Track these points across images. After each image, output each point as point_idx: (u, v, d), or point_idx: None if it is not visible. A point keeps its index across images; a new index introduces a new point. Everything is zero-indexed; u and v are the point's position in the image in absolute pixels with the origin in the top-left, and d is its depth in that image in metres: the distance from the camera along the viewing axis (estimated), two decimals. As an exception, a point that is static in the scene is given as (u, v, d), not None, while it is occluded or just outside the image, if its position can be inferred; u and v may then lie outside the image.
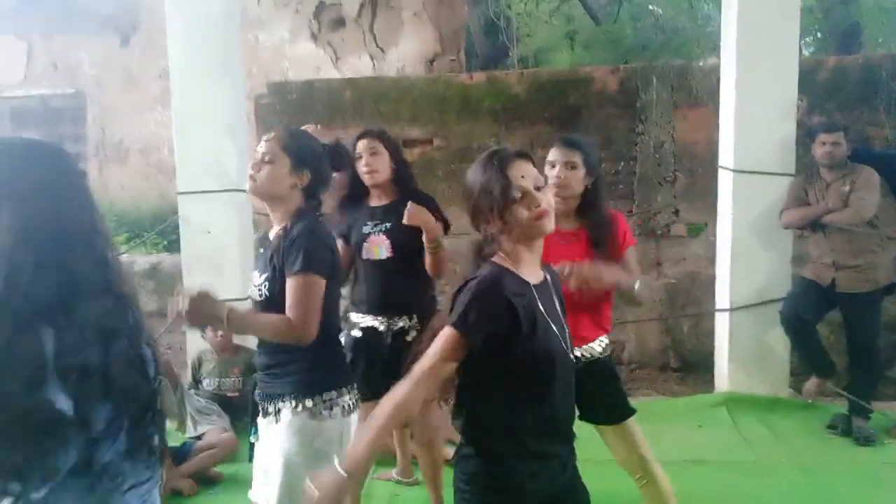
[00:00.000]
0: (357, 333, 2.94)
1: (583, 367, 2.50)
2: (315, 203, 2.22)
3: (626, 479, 2.88)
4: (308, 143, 2.22)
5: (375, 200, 2.98)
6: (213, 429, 3.86)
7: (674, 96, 5.65)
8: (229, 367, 4.17)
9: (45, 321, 1.21)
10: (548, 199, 1.66)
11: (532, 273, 1.72)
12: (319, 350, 2.09)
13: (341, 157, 2.32)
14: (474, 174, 1.71)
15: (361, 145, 2.93)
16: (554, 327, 1.70)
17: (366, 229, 2.91)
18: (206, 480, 3.57)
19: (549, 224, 1.65)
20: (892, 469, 3.60)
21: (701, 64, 5.98)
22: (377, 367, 2.83)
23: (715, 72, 4.92)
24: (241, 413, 4.08)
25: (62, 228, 1.28)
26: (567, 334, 1.76)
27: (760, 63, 4.37)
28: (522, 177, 1.64)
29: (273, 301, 2.08)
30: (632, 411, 2.61)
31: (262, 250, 2.28)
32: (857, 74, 5.53)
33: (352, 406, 2.16)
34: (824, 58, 6.19)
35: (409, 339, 2.85)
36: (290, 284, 2.02)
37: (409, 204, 2.73)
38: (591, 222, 2.55)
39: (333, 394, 2.11)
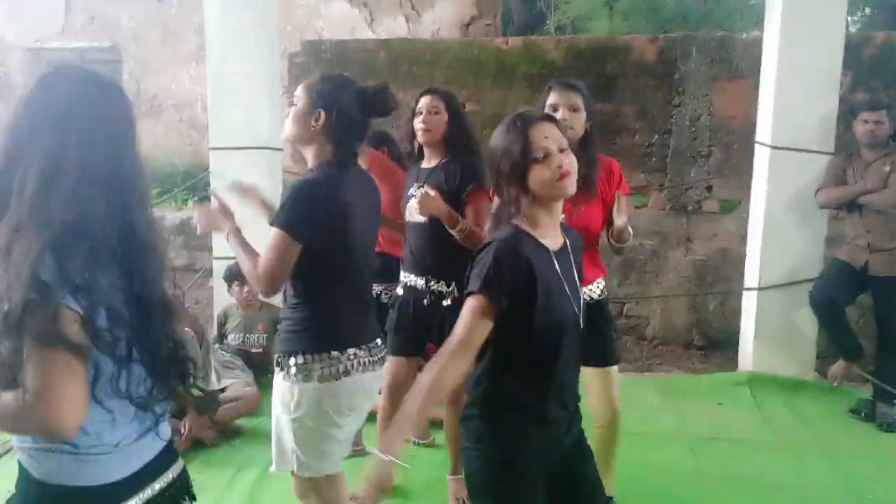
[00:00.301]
0: (399, 291, 2.97)
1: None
2: (344, 152, 2.11)
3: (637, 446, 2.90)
4: (330, 85, 2.11)
5: (426, 161, 2.94)
6: (236, 383, 3.94)
7: (713, 68, 5.52)
8: (254, 324, 4.23)
9: (110, 253, 1.24)
10: (571, 161, 1.65)
11: (551, 238, 1.72)
12: (302, 315, 2.07)
13: (381, 103, 2.15)
14: (497, 136, 1.71)
15: (423, 102, 2.87)
16: (570, 293, 1.70)
17: (411, 190, 2.88)
18: (227, 432, 3.64)
19: (571, 186, 1.65)
20: (916, 456, 3.56)
21: (743, 36, 5.81)
22: (413, 325, 2.88)
23: (757, 44, 4.79)
24: (264, 369, 4.14)
25: (119, 165, 1.28)
26: (581, 301, 1.76)
27: (804, 37, 4.24)
28: (546, 137, 1.64)
29: None
30: (617, 360, 2.70)
31: None
32: (906, 52, 5.35)
33: (332, 374, 2.06)
34: (872, 33, 5.98)
35: (445, 304, 2.82)
36: (269, 233, 2.01)
37: (420, 192, 2.69)
38: (589, 168, 2.47)
39: (308, 358, 2.05)
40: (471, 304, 1.62)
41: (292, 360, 2.06)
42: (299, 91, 2.15)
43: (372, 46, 6.04)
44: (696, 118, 5.54)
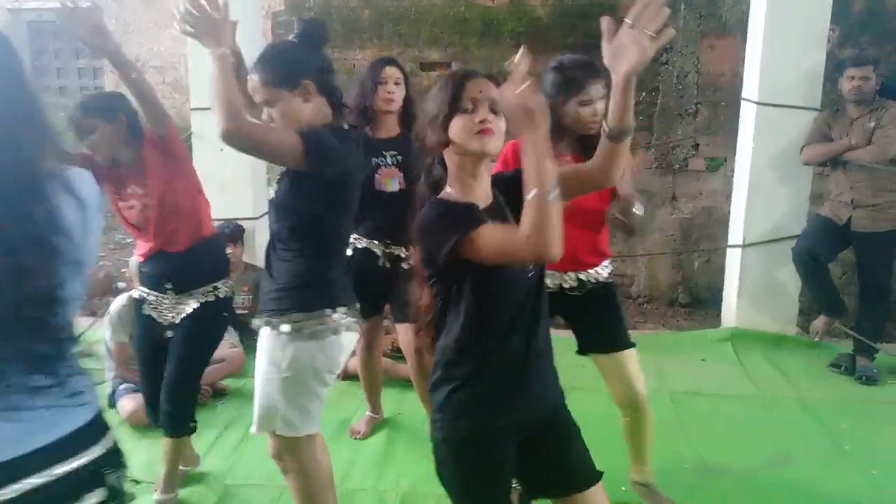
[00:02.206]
0: (350, 252, 2.92)
1: (587, 293, 2.48)
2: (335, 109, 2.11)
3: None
4: (293, 54, 2.08)
5: (384, 132, 2.97)
6: (222, 343, 3.93)
7: (701, 25, 5.46)
8: (239, 285, 4.21)
9: None
10: (497, 122, 1.60)
11: (479, 197, 1.66)
12: (296, 272, 2.08)
13: (320, 33, 2.14)
14: (436, 86, 1.67)
15: (389, 72, 2.90)
16: None
17: (378, 160, 2.90)
18: (213, 393, 3.67)
19: (491, 145, 1.59)
20: (891, 408, 3.61)
21: (733, -9, 5.74)
22: (370, 286, 2.89)
23: (745, 0, 4.74)
24: (250, 330, 4.14)
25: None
26: None
27: (793, -10, 4.20)
28: (480, 92, 1.59)
29: (281, 202, 2.08)
30: (631, 344, 2.53)
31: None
32: (894, 6, 5.30)
33: (325, 332, 2.07)
34: (862, -12, 5.92)
35: (404, 266, 2.94)
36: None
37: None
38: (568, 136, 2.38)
39: (303, 315, 2.06)
40: (477, 240, 1.51)
41: (286, 318, 2.06)
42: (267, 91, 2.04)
43: (356, 4, 5.93)
44: (683, 76, 5.50)
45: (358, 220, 2.90)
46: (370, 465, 3.06)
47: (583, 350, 2.56)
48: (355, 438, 3.26)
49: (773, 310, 4.46)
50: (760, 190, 4.41)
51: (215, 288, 2.68)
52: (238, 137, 1.91)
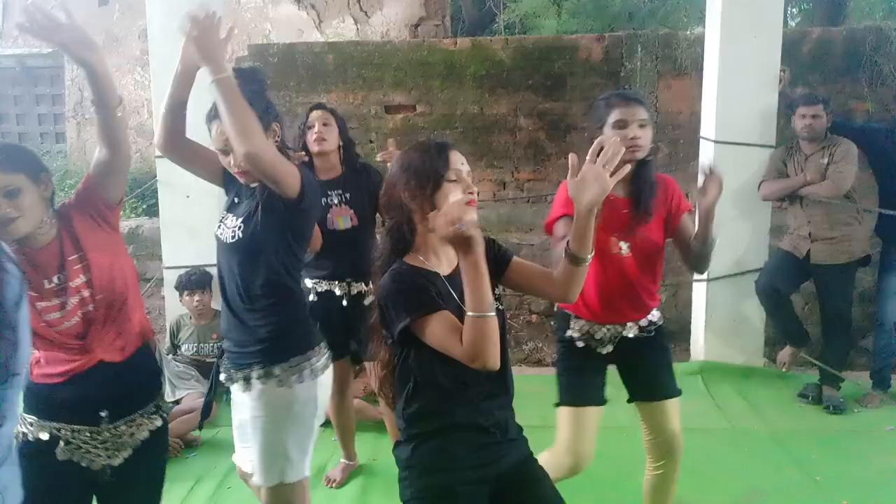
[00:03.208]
0: (312, 298, 3.03)
1: (643, 339, 2.43)
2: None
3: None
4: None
5: (325, 174, 3.04)
6: (191, 394, 3.88)
7: (658, 66, 5.63)
8: (207, 333, 4.17)
9: None
10: (474, 194, 1.65)
11: (444, 264, 1.72)
12: (282, 316, 2.10)
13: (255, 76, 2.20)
14: (411, 157, 1.70)
15: (314, 115, 3.02)
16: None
17: (327, 201, 2.98)
18: (185, 445, 3.59)
19: (473, 216, 1.59)
20: (860, 437, 3.68)
21: (687, 33, 5.93)
22: (336, 329, 2.92)
23: (700, 41, 4.90)
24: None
25: None
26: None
27: (745, 33, 4.35)
28: (462, 164, 1.68)
29: (244, 243, 2.07)
30: (678, 391, 2.47)
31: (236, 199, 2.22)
32: (841, 46, 5.53)
33: (321, 367, 2.16)
34: (809, 29, 6.17)
35: (366, 302, 2.98)
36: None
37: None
38: (644, 187, 2.35)
39: (299, 359, 2.11)
40: (427, 328, 1.59)
41: (282, 366, 2.08)
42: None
43: (319, 49, 5.99)
44: (642, 114, 5.64)
45: (316, 263, 3.00)
46: (347, 514, 3.02)
47: (633, 399, 2.51)
48: (330, 487, 3.22)
49: (741, 342, 4.54)
50: (722, 225, 4.45)
51: (158, 408, 2.01)
52: (259, 160, 1.91)
